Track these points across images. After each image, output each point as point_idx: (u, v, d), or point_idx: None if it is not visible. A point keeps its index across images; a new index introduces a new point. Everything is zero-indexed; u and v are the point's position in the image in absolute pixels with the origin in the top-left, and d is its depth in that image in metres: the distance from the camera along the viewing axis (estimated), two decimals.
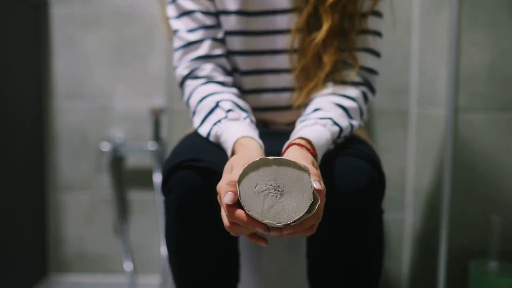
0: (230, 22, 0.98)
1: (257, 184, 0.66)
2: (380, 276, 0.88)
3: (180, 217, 0.86)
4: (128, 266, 1.66)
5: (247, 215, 0.66)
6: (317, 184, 0.67)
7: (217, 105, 0.91)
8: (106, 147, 1.62)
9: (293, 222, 0.65)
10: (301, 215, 0.64)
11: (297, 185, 0.66)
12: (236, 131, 0.85)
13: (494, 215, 1.26)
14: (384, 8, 0.98)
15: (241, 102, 0.94)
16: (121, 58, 1.64)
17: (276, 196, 0.65)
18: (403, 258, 1.61)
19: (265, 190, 0.66)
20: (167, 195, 0.87)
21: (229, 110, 0.90)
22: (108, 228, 1.68)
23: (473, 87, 1.26)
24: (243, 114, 0.90)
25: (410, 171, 1.57)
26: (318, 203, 0.66)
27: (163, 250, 1.61)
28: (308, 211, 0.65)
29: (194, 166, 0.83)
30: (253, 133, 0.86)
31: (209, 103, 0.92)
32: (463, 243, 1.29)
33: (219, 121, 0.88)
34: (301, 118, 0.90)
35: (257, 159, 0.67)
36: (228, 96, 0.94)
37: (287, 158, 0.67)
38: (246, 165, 0.67)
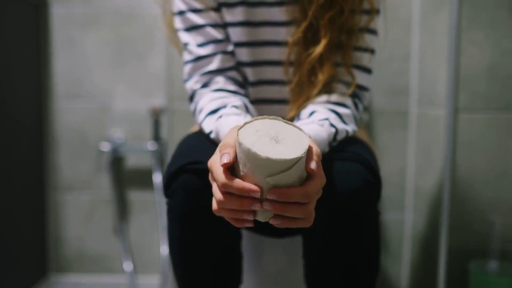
0: (236, 34, 0.98)
1: (258, 130, 0.67)
2: (377, 277, 0.88)
3: (183, 220, 0.86)
4: (128, 266, 1.66)
5: (242, 177, 0.66)
6: (313, 164, 0.66)
7: (225, 105, 0.91)
8: (106, 147, 1.62)
9: (277, 159, 0.63)
10: (287, 157, 0.64)
11: (295, 141, 0.67)
12: (234, 123, 0.84)
13: (494, 215, 1.26)
14: (377, 22, 0.98)
15: (250, 107, 0.95)
16: (121, 58, 1.64)
17: (271, 141, 0.66)
18: (403, 258, 1.61)
19: (264, 134, 0.67)
20: (170, 198, 0.86)
21: (234, 107, 0.90)
22: (108, 228, 1.68)
23: (473, 87, 1.26)
24: (248, 115, 0.90)
25: (410, 171, 1.57)
26: (301, 164, 0.66)
27: (163, 250, 1.61)
28: (293, 168, 0.65)
29: (197, 169, 0.83)
30: None
31: (218, 102, 0.92)
32: (463, 243, 1.29)
33: (220, 116, 0.88)
34: (296, 120, 0.91)
35: (270, 117, 0.70)
36: (239, 99, 0.94)
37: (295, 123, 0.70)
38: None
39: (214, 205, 0.69)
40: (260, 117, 0.69)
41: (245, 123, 0.68)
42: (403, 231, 1.60)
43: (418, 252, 1.52)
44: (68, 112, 1.66)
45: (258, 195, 0.65)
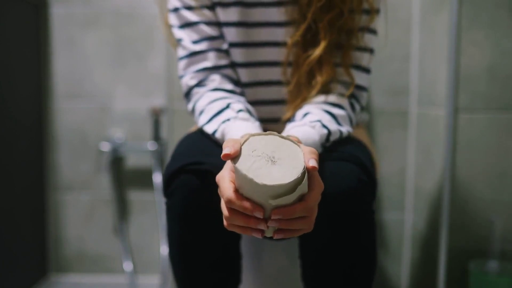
0: (231, 34, 0.98)
1: (255, 150, 0.67)
2: (374, 276, 0.88)
3: (182, 220, 0.86)
4: (128, 266, 1.66)
5: (246, 198, 0.66)
6: (312, 162, 0.66)
7: (228, 106, 0.91)
8: (106, 147, 1.62)
9: (273, 185, 0.64)
10: (284, 182, 0.64)
11: (292, 160, 0.67)
12: (244, 130, 0.84)
13: (494, 215, 1.26)
14: (377, 21, 0.98)
15: (251, 108, 0.94)
16: (121, 58, 1.64)
17: (268, 162, 0.66)
18: (403, 258, 1.61)
19: (260, 155, 0.67)
20: (170, 198, 0.86)
21: (240, 111, 0.90)
22: (108, 228, 1.69)
23: (473, 87, 1.26)
24: (253, 118, 0.91)
25: (410, 171, 1.57)
26: (303, 187, 0.66)
27: (163, 250, 1.61)
28: (294, 193, 0.66)
29: (197, 169, 0.83)
30: None
31: (220, 104, 0.92)
32: (463, 243, 1.29)
33: (228, 119, 0.88)
34: (290, 122, 0.91)
35: (268, 133, 0.69)
36: (239, 100, 0.94)
37: (292, 137, 0.70)
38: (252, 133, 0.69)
39: (224, 221, 0.71)
40: (256, 133, 0.69)
41: (243, 143, 0.68)
42: (403, 231, 1.60)
43: (418, 252, 1.52)
44: (68, 112, 1.66)
45: (261, 216, 0.66)
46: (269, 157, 0.67)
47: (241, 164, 0.66)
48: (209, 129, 0.91)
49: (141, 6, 1.62)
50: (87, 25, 1.63)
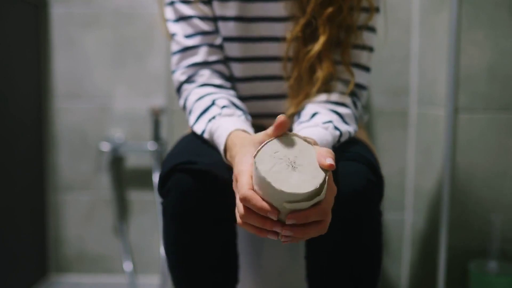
0: (228, 28, 0.98)
1: (277, 151, 0.66)
2: (379, 277, 0.88)
3: (178, 219, 0.86)
4: (128, 266, 1.66)
5: (263, 199, 0.65)
6: (329, 160, 0.65)
7: (213, 103, 0.91)
8: (106, 147, 1.62)
9: (290, 192, 0.63)
10: (301, 191, 0.63)
11: (313, 170, 0.65)
12: (230, 126, 0.84)
13: (494, 215, 1.26)
14: (377, 20, 0.98)
15: (237, 102, 0.94)
16: (121, 58, 1.64)
17: (288, 168, 0.65)
18: (403, 258, 1.61)
19: (282, 158, 0.66)
20: (165, 197, 0.87)
21: (224, 107, 0.89)
22: (108, 228, 1.69)
23: (473, 87, 1.26)
24: (238, 112, 0.90)
25: (410, 171, 1.57)
26: (320, 197, 0.65)
27: (163, 250, 1.61)
28: (310, 200, 0.64)
29: (190, 169, 0.83)
30: (247, 127, 0.85)
31: (205, 101, 0.92)
32: (463, 243, 1.29)
33: (213, 117, 0.88)
34: (298, 122, 0.90)
35: (292, 135, 0.68)
36: (225, 95, 0.94)
37: (310, 139, 0.69)
38: (279, 135, 0.68)
39: (238, 218, 0.69)
40: (283, 135, 0.68)
41: (266, 142, 0.67)
42: (403, 231, 1.60)
43: (418, 252, 1.52)
44: (68, 112, 1.66)
45: (275, 218, 0.65)
46: (291, 161, 0.66)
47: (261, 165, 0.65)
48: (197, 129, 0.91)
49: (141, 6, 1.62)
50: (87, 25, 1.63)
